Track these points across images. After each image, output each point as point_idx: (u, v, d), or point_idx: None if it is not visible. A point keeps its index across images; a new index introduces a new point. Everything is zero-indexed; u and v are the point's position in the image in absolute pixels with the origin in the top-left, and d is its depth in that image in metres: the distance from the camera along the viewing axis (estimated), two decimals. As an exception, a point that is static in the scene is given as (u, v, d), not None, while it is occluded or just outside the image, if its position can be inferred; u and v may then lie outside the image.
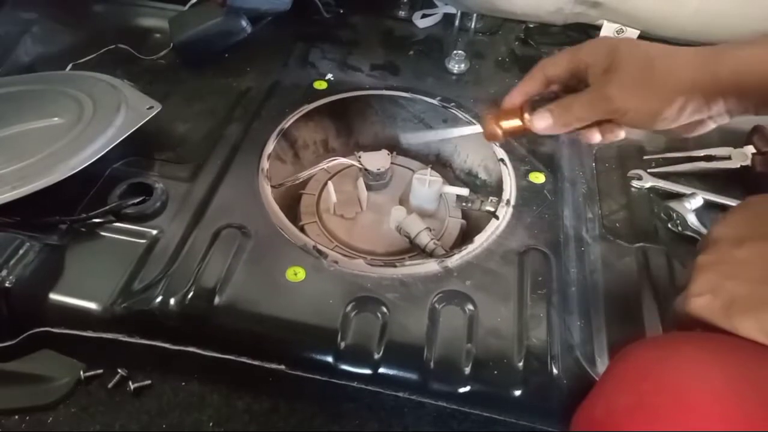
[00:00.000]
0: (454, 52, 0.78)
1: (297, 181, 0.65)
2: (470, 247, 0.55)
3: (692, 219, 0.58)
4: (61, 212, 0.54)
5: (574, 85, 0.45)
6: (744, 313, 0.35)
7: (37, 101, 0.64)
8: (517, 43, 0.85)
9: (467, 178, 0.72)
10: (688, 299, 0.38)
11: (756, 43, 0.39)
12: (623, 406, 0.34)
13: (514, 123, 0.45)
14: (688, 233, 0.57)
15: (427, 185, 0.62)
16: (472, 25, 0.83)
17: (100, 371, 0.50)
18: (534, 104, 0.45)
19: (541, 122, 0.44)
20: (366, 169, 0.64)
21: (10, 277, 0.47)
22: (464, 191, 0.62)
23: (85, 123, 0.59)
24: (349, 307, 0.49)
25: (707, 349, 0.34)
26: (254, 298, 0.50)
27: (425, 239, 0.58)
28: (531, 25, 0.85)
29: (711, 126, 0.44)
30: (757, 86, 0.40)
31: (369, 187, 0.66)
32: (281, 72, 0.75)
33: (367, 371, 0.47)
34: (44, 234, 0.52)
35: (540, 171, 0.63)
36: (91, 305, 0.49)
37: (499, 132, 0.46)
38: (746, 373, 0.30)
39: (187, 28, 0.75)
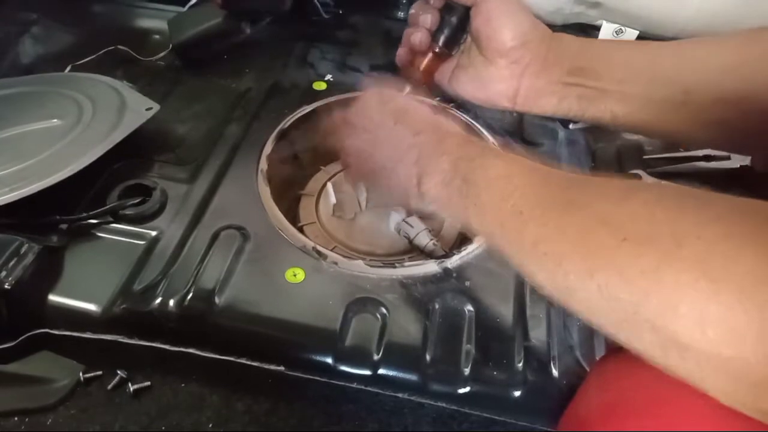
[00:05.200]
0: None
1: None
2: (470, 248, 0.54)
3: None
4: (60, 214, 0.54)
5: None
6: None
7: (36, 103, 0.64)
8: (516, 43, 0.84)
9: (467, 179, 0.71)
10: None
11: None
12: (605, 404, 0.35)
13: (428, 59, 0.55)
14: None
15: (426, 186, 0.62)
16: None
17: (99, 373, 0.50)
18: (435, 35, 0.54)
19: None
20: None
21: (9, 279, 0.47)
22: (464, 192, 0.62)
23: (84, 124, 0.59)
24: (348, 308, 0.49)
25: None
26: (253, 299, 0.50)
27: (425, 240, 0.58)
28: (530, 26, 0.85)
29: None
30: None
31: (368, 188, 0.66)
32: (280, 73, 0.75)
33: (367, 372, 0.47)
34: (43, 235, 0.52)
35: (539, 171, 0.63)
36: (91, 307, 0.49)
37: (418, 75, 0.56)
38: None
39: (186, 30, 0.75)
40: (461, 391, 0.46)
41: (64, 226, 0.53)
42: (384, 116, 0.48)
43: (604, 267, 0.29)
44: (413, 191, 0.44)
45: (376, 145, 0.48)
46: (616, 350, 0.38)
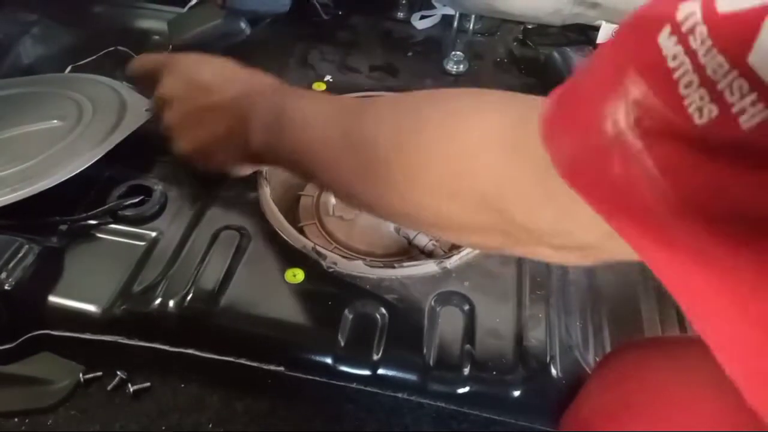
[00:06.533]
0: (453, 53, 0.78)
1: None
2: (469, 248, 0.55)
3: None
4: (61, 215, 0.54)
5: None
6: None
7: (36, 103, 0.65)
8: (515, 43, 0.85)
9: (466, 179, 0.71)
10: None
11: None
12: (608, 405, 0.35)
13: None
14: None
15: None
16: (471, 26, 0.83)
17: (99, 373, 0.50)
18: None
19: None
20: None
21: (10, 280, 0.47)
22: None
23: (85, 125, 0.59)
24: (348, 309, 0.49)
25: (685, 350, 0.35)
26: (253, 299, 0.50)
27: (424, 240, 0.58)
28: (529, 26, 0.85)
29: None
30: None
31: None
32: (280, 74, 0.74)
33: (366, 372, 0.47)
34: (43, 236, 0.52)
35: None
36: (91, 307, 0.49)
37: None
38: (721, 369, 0.31)
39: (186, 30, 0.75)
40: (460, 390, 0.46)
41: (64, 227, 0.53)
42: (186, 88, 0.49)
43: None
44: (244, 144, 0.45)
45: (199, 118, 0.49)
46: (619, 351, 0.38)
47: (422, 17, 0.87)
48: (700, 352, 0.34)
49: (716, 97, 0.16)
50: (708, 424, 0.29)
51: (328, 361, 0.47)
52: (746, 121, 0.16)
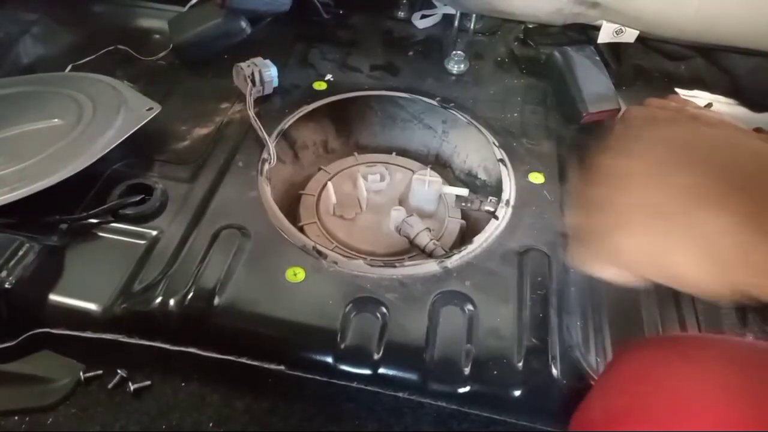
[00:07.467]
0: (454, 52, 0.78)
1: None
2: (470, 248, 0.55)
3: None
4: (61, 213, 0.54)
5: None
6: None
7: (36, 102, 0.65)
8: (516, 43, 0.85)
9: (467, 179, 0.72)
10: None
11: None
12: (620, 407, 0.34)
13: None
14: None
15: (426, 186, 0.62)
16: (472, 26, 0.83)
17: (99, 372, 0.50)
18: None
19: None
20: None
21: (10, 278, 0.47)
22: (464, 191, 0.62)
23: (85, 124, 0.59)
24: (348, 308, 0.49)
25: (703, 352, 0.34)
26: (254, 298, 0.50)
27: (425, 240, 0.58)
28: (530, 26, 0.85)
29: None
30: None
31: (368, 188, 0.66)
32: (280, 73, 0.75)
33: (367, 372, 0.47)
34: (44, 235, 0.52)
35: (540, 171, 0.63)
36: (91, 306, 0.49)
37: None
38: (742, 375, 0.30)
39: (186, 29, 0.75)
40: (461, 390, 0.46)
41: (64, 226, 0.53)
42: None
43: None
44: None
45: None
46: (632, 350, 0.38)
47: (423, 16, 0.87)
48: (718, 354, 0.34)
49: None
50: (724, 428, 0.28)
51: (329, 360, 0.47)
52: None
